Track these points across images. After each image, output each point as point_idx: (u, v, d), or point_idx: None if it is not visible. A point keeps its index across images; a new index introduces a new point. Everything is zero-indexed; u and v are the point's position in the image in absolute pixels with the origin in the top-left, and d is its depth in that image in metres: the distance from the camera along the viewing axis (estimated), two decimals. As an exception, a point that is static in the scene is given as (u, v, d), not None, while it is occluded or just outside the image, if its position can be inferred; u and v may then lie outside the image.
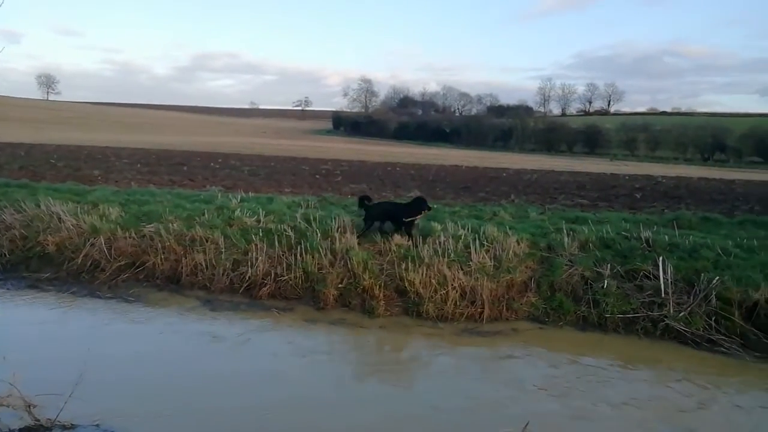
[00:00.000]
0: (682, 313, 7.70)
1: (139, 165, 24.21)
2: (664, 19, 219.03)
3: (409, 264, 8.72)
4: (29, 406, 4.79)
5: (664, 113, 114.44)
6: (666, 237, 9.33)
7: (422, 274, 8.54)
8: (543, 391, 6.06)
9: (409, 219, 9.69)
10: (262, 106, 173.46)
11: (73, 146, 35.10)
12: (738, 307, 7.61)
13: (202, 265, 9.19)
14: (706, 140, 76.81)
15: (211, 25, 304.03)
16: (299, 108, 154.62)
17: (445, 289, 8.39)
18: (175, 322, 7.68)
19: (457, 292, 8.41)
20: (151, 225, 10.03)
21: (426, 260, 8.81)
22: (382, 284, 8.55)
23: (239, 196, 12.47)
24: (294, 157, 36.78)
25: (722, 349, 7.27)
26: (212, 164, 26.74)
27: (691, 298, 7.83)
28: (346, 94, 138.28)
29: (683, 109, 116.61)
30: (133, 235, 9.86)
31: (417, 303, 8.29)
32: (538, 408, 5.64)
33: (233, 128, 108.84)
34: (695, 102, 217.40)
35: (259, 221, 10.38)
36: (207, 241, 9.56)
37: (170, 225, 9.92)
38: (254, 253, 9.15)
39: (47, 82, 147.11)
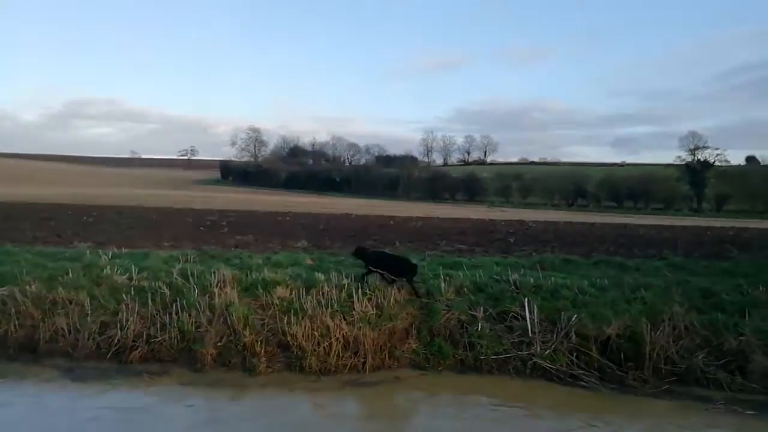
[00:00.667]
0: (547, 351, 8.31)
1: (-5, 220, 21.87)
2: (530, 78, 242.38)
3: (292, 317, 8.65)
4: None
5: (533, 163, 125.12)
6: (531, 279, 10.10)
7: (305, 327, 8.49)
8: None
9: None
10: (144, 156, 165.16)
11: None
12: (594, 342, 8.36)
13: (63, 329, 8.44)
14: (569, 187, 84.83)
15: (87, 70, 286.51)
16: (185, 157, 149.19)
17: (328, 341, 8.39)
18: (30, 398, 6.93)
19: (340, 343, 8.44)
20: (4, 288, 9.08)
21: (309, 312, 8.79)
22: (264, 340, 8.38)
23: (110, 253, 11.69)
24: (179, 209, 35.22)
25: (582, 383, 7.91)
26: (85, 218, 24.82)
27: (554, 335, 8.49)
28: (234, 144, 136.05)
29: (549, 159, 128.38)
30: (-18, 300, 8.85)
31: (300, 357, 8.20)
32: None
33: (112, 179, 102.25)
34: (559, 152, 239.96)
35: (131, 279, 9.79)
36: (71, 303, 8.82)
37: (27, 287, 9.05)
38: (125, 314, 8.59)
39: None
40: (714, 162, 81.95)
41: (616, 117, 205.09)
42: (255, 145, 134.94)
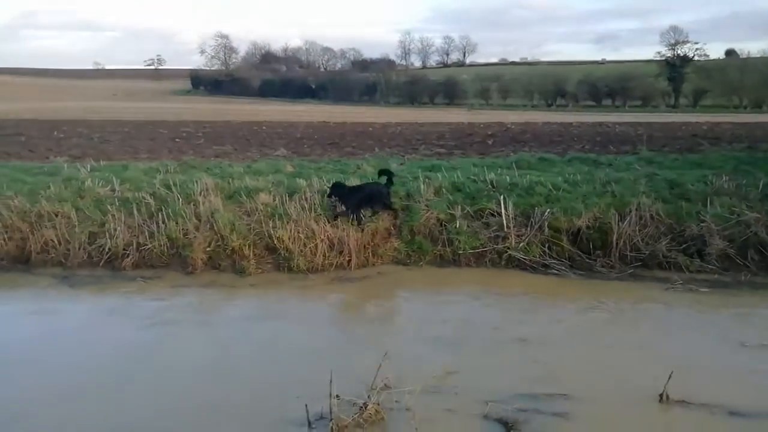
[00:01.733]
0: (521, 244, 8.79)
1: (-38, 138, 21.27)
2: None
3: (277, 221, 8.92)
4: None
5: (513, 63, 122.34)
6: (508, 178, 10.44)
7: (290, 230, 8.78)
8: (407, 324, 6.74)
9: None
10: (108, 67, 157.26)
11: None
12: (566, 234, 8.84)
13: (53, 241, 8.64)
14: (549, 87, 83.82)
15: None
16: (152, 67, 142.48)
17: (313, 243, 8.73)
18: (29, 303, 7.25)
19: (325, 244, 8.79)
20: (-13, 203, 9.13)
21: (293, 216, 9.06)
22: (252, 243, 8.68)
23: (89, 166, 11.66)
24: (151, 120, 34.37)
25: (554, 271, 8.47)
26: (56, 133, 24.25)
27: (528, 229, 8.94)
28: (203, 52, 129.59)
29: (529, 59, 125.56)
30: (-34, 216, 8.92)
31: (287, 258, 8.55)
32: (399, 336, 6.28)
33: (77, 92, 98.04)
34: (540, 52, 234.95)
35: (114, 191, 9.88)
36: (57, 216, 8.95)
37: (10, 202, 9.10)
38: (112, 224, 8.76)
39: None
40: (693, 57, 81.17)
41: (599, 12, 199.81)
42: (225, 53, 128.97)
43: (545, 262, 8.62)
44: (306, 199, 9.60)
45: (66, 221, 8.86)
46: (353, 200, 9.11)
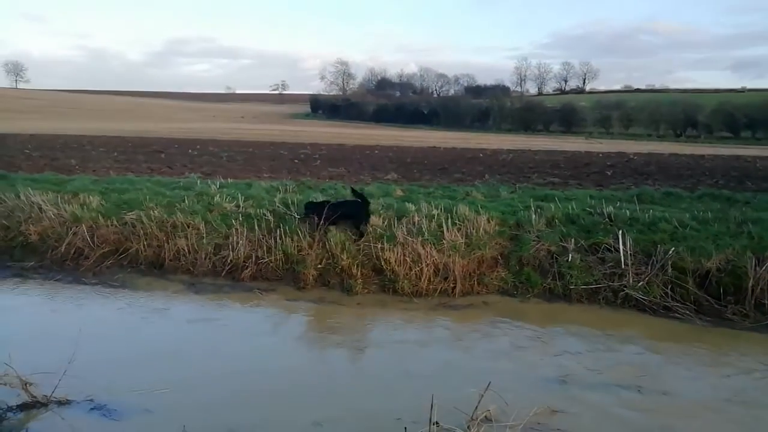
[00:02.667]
0: (640, 283, 8.22)
1: (116, 153, 24.13)
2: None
3: (385, 243, 9.10)
4: (26, 384, 5.08)
5: (638, 90, 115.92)
6: (627, 212, 9.85)
7: (397, 253, 8.92)
8: (511, 356, 6.55)
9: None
10: (238, 91, 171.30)
11: (48, 135, 34.65)
12: (692, 276, 8.14)
13: (184, 250, 9.47)
14: (678, 116, 78.11)
15: (185, 9, 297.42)
16: (276, 92, 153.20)
17: (419, 267, 8.79)
18: (161, 305, 7.99)
19: (430, 268, 8.82)
20: (132, 212, 10.24)
21: (401, 240, 9.20)
22: (360, 263, 8.93)
23: (218, 183, 12.69)
24: (272, 142, 36.79)
25: (677, 315, 7.81)
26: (190, 151, 26.73)
27: (649, 268, 8.34)
28: (323, 77, 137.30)
29: (657, 86, 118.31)
30: (115, 222, 10.07)
31: (393, 280, 8.68)
32: (504, 367, 6.10)
33: (210, 114, 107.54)
34: (669, 79, 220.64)
35: (238, 206, 10.66)
36: (188, 227, 9.82)
37: (151, 212, 10.14)
38: (235, 237, 9.44)
39: (15, 69, 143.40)
40: None
41: (737, 36, 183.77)
42: (343, 79, 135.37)
43: (667, 304, 7.99)
44: (414, 223, 9.72)
45: (196, 232, 9.69)
46: (326, 215, 9.26)
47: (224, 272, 9.13)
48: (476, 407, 4.69)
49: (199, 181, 13.12)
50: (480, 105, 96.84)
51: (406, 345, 6.87)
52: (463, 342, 7.07)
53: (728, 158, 30.87)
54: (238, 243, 9.36)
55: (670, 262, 8.25)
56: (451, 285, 8.71)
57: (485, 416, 4.79)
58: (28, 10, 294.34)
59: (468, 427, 4.64)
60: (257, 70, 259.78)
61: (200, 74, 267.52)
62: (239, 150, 28.16)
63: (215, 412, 5.11)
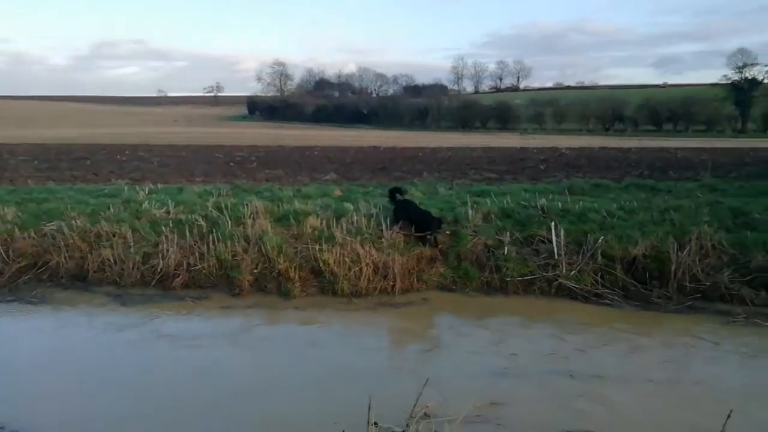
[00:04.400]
0: (572, 272, 8.46)
1: (36, 162, 22.74)
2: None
3: (323, 245, 8.95)
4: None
5: (569, 87, 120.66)
6: (559, 204, 10.14)
7: (336, 254, 8.79)
8: (451, 351, 6.56)
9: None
10: (171, 94, 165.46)
11: (-41, 144, 32.23)
12: (620, 263, 8.46)
13: (110, 260, 8.97)
14: (606, 112, 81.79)
15: (112, 10, 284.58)
16: (211, 94, 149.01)
17: (358, 266, 8.70)
18: (83, 320, 7.52)
19: (370, 268, 8.74)
20: (52, 223, 9.62)
21: (339, 240, 9.08)
22: (297, 266, 8.74)
23: (147, 188, 12.14)
24: (207, 145, 35.71)
25: (607, 301, 8.09)
26: (118, 157, 25.55)
27: (580, 257, 8.61)
28: (260, 79, 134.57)
29: (586, 83, 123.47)
30: (33, 234, 9.44)
31: (332, 282, 8.55)
32: (443, 363, 6.11)
33: (141, 118, 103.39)
34: (598, 76, 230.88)
35: (168, 212, 10.22)
36: (114, 236, 9.32)
37: (73, 222, 9.56)
38: (165, 245, 9.03)
39: None
40: (763, 80, 77.47)
41: (661, 36, 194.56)
42: (281, 80, 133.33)
43: (597, 291, 8.26)
44: (352, 223, 9.63)
45: (122, 241, 9.20)
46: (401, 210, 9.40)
47: (154, 282, 8.72)
48: (415, 404, 4.64)
49: (126, 188, 12.52)
50: (418, 104, 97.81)
51: (344, 347, 6.76)
52: (403, 340, 7.04)
53: (653, 150, 32.52)
54: (168, 250, 8.96)
55: (599, 251, 8.54)
56: (391, 283, 8.66)
57: (424, 413, 4.75)
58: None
59: (407, 424, 4.59)
60: (191, 73, 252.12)
61: (130, 78, 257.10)
62: (172, 155, 27.16)
63: (140, 426, 4.83)
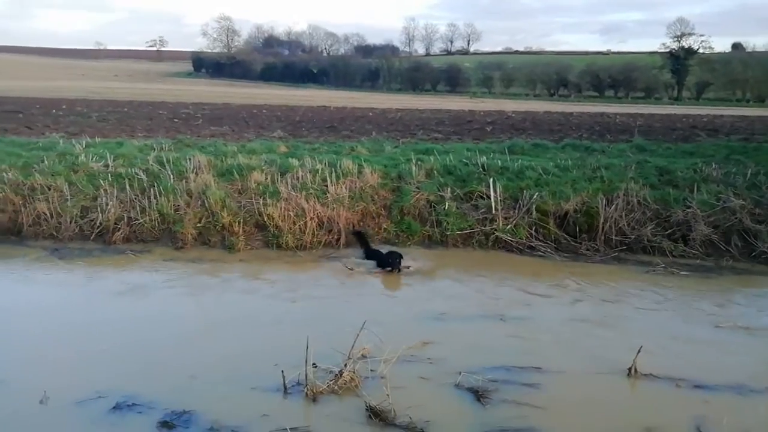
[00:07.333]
0: (509, 226, 8.88)
1: (-40, 114, 21.30)
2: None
3: (268, 199, 9.00)
4: None
5: (517, 52, 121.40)
6: (499, 162, 10.50)
7: (281, 208, 8.88)
8: (390, 299, 6.85)
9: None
10: (110, 47, 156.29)
11: None
12: (553, 217, 8.94)
13: (45, 214, 8.74)
14: (552, 77, 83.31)
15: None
16: (154, 48, 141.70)
17: (303, 221, 8.83)
18: (20, 275, 7.37)
19: (315, 222, 8.89)
20: (-19, 176, 9.22)
21: (284, 195, 9.15)
22: (242, 220, 8.78)
23: (84, 142, 11.72)
24: (151, 101, 34.31)
25: (540, 252, 8.57)
26: (54, 111, 24.24)
27: (516, 212, 9.03)
28: (205, 34, 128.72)
29: (534, 49, 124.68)
30: (-41, 188, 9.03)
31: (276, 235, 8.65)
32: (382, 310, 6.39)
33: (78, 72, 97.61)
34: (545, 41, 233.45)
35: (107, 166, 9.96)
36: (49, 189, 9.05)
37: (4, 174, 9.19)
38: (104, 199, 8.86)
39: None
40: (698, 49, 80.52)
41: (606, 3, 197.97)
42: (227, 36, 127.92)
43: (531, 244, 8.73)
44: (298, 178, 9.69)
45: (58, 195, 8.95)
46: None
47: (93, 235, 8.58)
48: (352, 346, 4.90)
49: (61, 141, 12.04)
50: (370, 65, 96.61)
51: (286, 296, 6.92)
52: (346, 289, 7.28)
53: (593, 115, 33.55)
54: (107, 204, 8.79)
55: (534, 206, 8.97)
56: (336, 237, 8.85)
57: (362, 354, 5.03)
58: None
59: (345, 364, 4.85)
60: (132, 25, 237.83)
61: (65, 28, 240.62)
62: (112, 110, 25.98)
63: (82, 373, 4.89)
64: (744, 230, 8.41)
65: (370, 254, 8.25)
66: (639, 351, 4.90)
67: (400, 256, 7.87)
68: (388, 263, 7.81)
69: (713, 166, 10.10)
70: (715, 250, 8.34)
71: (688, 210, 8.67)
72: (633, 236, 8.61)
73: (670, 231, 8.60)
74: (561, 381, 4.87)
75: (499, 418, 4.32)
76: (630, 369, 4.92)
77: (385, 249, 8.31)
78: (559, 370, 5.03)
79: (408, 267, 7.87)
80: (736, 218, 8.51)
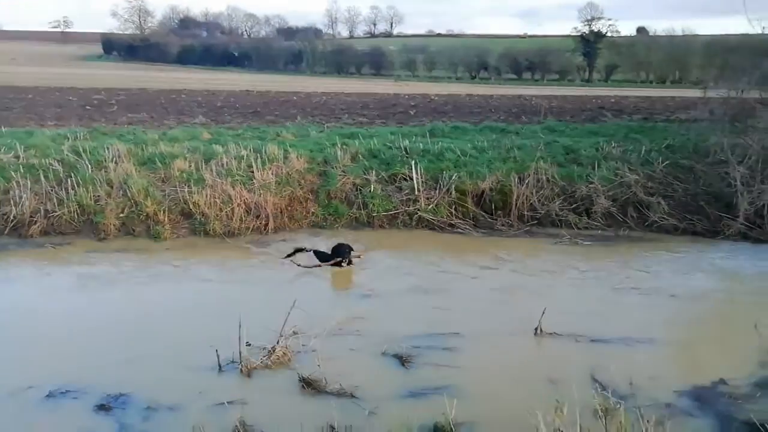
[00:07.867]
0: (430, 206, 9.38)
1: None
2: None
3: (193, 187, 8.99)
4: None
5: (439, 35, 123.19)
6: (420, 144, 10.96)
7: (207, 196, 8.90)
8: (320, 280, 7.15)
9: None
10: (7, 28, 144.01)
11: None
12: (470, 196, 9.52)
13: (-48, 209, 8.30)
14: (473, 60, 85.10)
15: None
16: (58, 30, 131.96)
17: (230, 207, 8.90)
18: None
19: (242, 208, 8.98)
20: None
21: (210, 182, 9.16)
22: (167, 209, 8.73)
23: (-12, 132, 11.10)
24: (58, 87, 32.22)
25: (459, 229, 9.13)
26: (-55, 98, 22.37)
27: (437, 192, 9.52)
28: (115, 14, 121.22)
29: (456, 32, 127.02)
30: None
31: (203, 223, 8.69)
32: (311, 290, 6.67)
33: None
34: (468, 25, 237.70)
35: (17, 157, 9.53)
36: (-47, 183, 8.58)
37: None
38: (17, 191, 8.52)
39: None
40: (606, 33, 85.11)
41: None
42: (140, 16, 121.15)
43: (452, 222, 9.27)
44: (223, 165, 9.70)
45: (-36, 189, 8.51)
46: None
47: (7, 230, 8.26)
48: (284, 324, 5.18)
49: (-39, 132, 11.31)
50: (292, 47, 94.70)
51: (216, 281, 7.07)
52: (276, 272, 7.48)
53: (512, 97, 34.94)
54: (21, 197, 8.47)
55: (453, 186, 9.50)
56: (264, 222, 8.99)
57: (293, 331, 5.31)
58: None
59: (277, 341, 5.12)
60: (32, 4, 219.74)
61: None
62: (15, 97, 24.26)
63: (11, 365, 4.87)
64: (638, 202, 9.34)
65: (321, 256, 7.76)
66: (543, 313, 5.49)
67: (350, 248, 7.57)
68: (338, 255, 7.46)
69: (613, 144, 11.04)
70: (614, 221, 9.22)
71: (591, 185, 9.50)
72: (543, 211, 9.34)
73: (575, 205, 9.40)
74: (476, 343, 5.38)
75: (421, 379, 4.76)
76: (536, 329, 5.50)
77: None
78: (474, 334, 5.55)
79: (359, 257, 7.63)
80: (631, 191, 9.43)
